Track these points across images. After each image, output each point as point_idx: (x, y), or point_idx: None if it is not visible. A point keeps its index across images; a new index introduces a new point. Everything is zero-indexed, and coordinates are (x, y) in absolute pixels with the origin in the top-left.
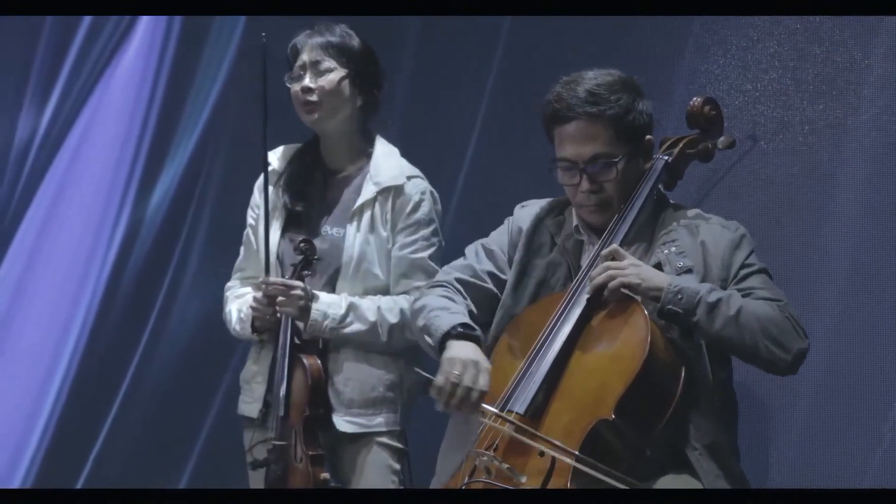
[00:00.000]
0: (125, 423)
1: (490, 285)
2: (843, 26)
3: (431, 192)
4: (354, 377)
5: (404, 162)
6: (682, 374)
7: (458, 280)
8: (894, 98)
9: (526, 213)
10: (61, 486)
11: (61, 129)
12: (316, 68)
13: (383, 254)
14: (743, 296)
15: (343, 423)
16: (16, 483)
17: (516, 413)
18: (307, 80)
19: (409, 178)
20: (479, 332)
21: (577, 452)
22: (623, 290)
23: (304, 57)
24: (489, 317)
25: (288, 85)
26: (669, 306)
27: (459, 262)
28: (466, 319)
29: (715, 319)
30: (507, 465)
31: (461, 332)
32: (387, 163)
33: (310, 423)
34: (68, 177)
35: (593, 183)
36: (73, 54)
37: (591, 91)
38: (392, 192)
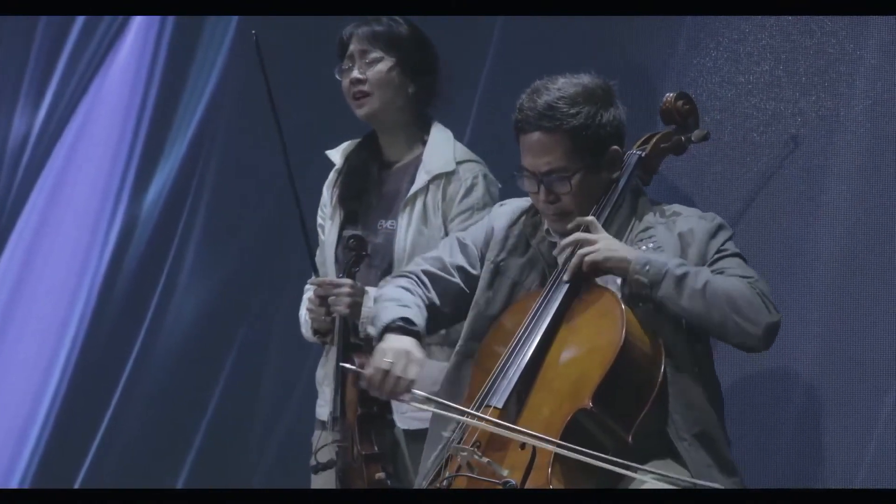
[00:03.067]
0: (123, 421)
1: (457, 279)
2: (834, 18)
3: (485, 176)
4: (420, 373)
5: (458, 146)
6: (663, 362)
7: (425, 272)
8: (886, 89)
9: (502, 212)
10: (59, 485)
11: (56, 128)
12: (364, 59)
13: (437, 244)
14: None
15: (404, 419)
16: (14, 483)
17: (494, 407)
18: (356, 72)
19: (459, 162)
20: (419, 327)
21: (556, 440)
22: (591, 266)
23: (352, 48)
24: (454, 310)
25: (338, 78)
26: (636, 276)
27: (432, 253)
28: (410, 314)
29: (682, 293)
30: (487, 459)
31: (400, 326)
32: (439, 149)
33: (364, 422)
34: (64, 175)
35: (550, 194)
36: (66, 54)
37: (550, 104)
38: (443, 179)
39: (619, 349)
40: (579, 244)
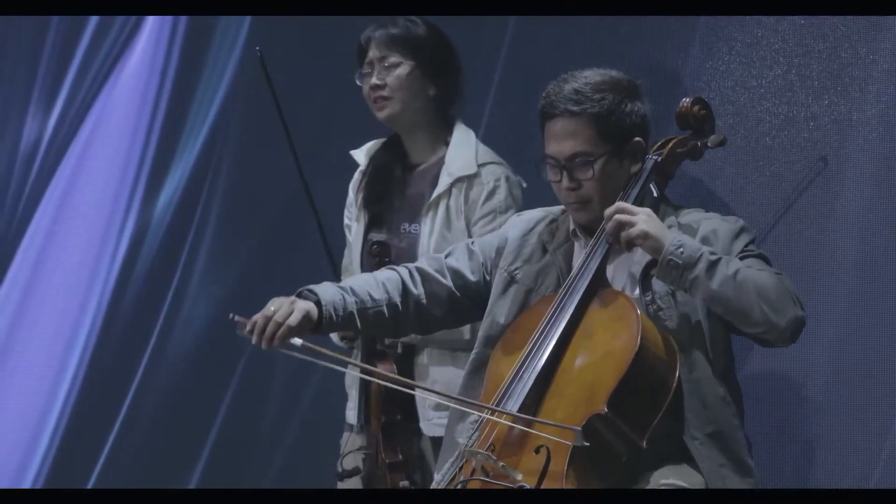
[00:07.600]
0: (135, 423)
1: (448, 282)
2: (847, 22)
3: (508, 178)
4: (440, 379)
5: (481, 147)
6: (678, 367)
7: (419, 268)
8: None
9: (517, 222)
10: (72, 486)
11: (68, 132)
12: (382, 64)
13: None
14: None
15: (430, 427)
16: (27, 483)
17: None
18: (375, 78)
19: (481, 165)
20: (323, 301)
21: (577, 428)
22: (627, 239)
23: (371, 53)
24: (445, 312)
25: (358, 83)
26: (670, 257)
27: (439, 253)
28: (323, 290)
29: (714, 276)
30: (502, 463)
31: (302, 293)
32: (460, 151)
33: (387, 429)
34: (75, 179)
35: (572, 180)
36: (79, 56)
37: (576, 89)
38: (465, 182)
39: (635, 354)
40: (620, 211)
